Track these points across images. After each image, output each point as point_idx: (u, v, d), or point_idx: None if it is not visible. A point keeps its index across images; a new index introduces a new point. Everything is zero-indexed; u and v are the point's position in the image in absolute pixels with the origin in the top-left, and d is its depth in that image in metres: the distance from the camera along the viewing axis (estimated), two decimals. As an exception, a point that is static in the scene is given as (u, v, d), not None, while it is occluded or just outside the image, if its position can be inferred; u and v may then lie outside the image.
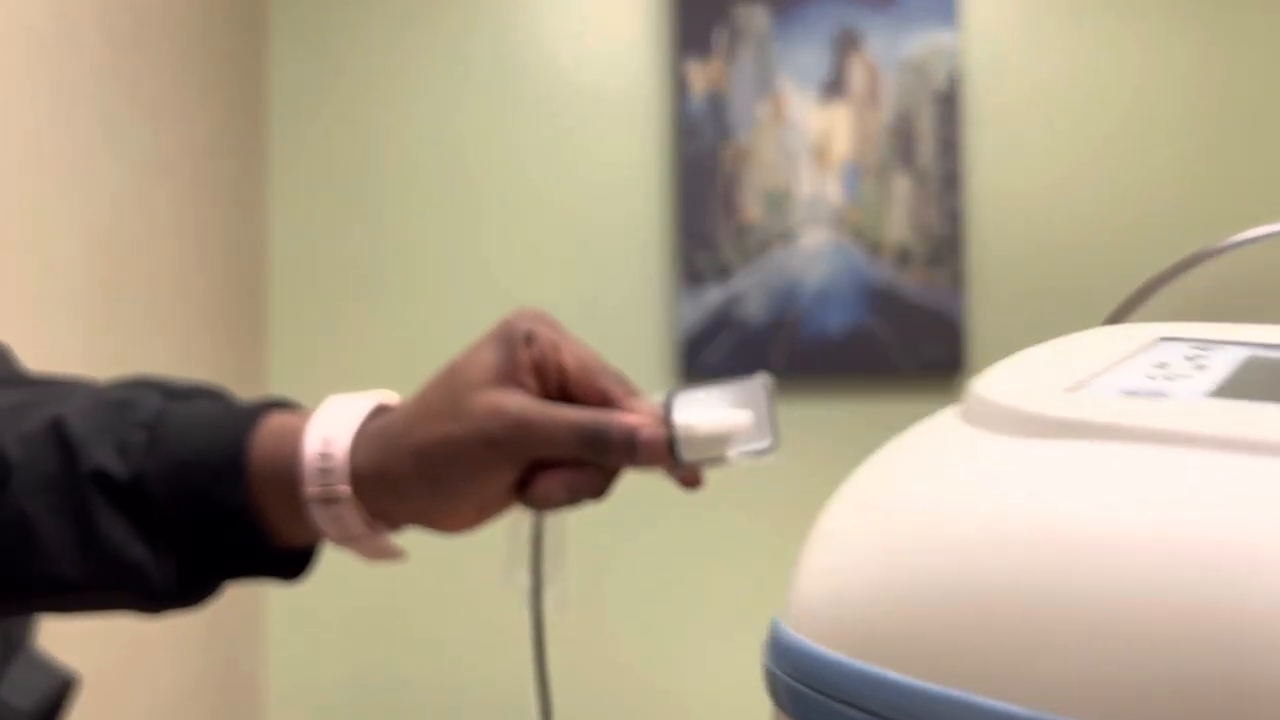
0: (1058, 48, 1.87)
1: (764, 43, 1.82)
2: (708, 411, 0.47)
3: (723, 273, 1.80)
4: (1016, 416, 0.25)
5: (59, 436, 0.46)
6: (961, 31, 1.84)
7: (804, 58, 1.82)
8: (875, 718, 0.21)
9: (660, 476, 0.48)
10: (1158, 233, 1.85)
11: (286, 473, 0.47)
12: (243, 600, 1.74)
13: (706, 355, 1.79)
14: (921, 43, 1.82)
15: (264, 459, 0.47)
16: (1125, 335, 0.32)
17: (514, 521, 0.51)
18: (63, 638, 1.21)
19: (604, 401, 0.48)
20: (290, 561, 0.51)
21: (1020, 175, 1.86)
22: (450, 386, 0.47)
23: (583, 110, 1.86)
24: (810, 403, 1.82)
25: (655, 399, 0.48)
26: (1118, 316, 0.46)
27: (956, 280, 1.80)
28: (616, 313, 1.83)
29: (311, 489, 0.46)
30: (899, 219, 1.81)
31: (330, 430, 0.47)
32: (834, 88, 1.82)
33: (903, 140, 1.81)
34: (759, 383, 0.48)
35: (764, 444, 0.47)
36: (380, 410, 0.50)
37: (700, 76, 1.81)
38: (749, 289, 1.81)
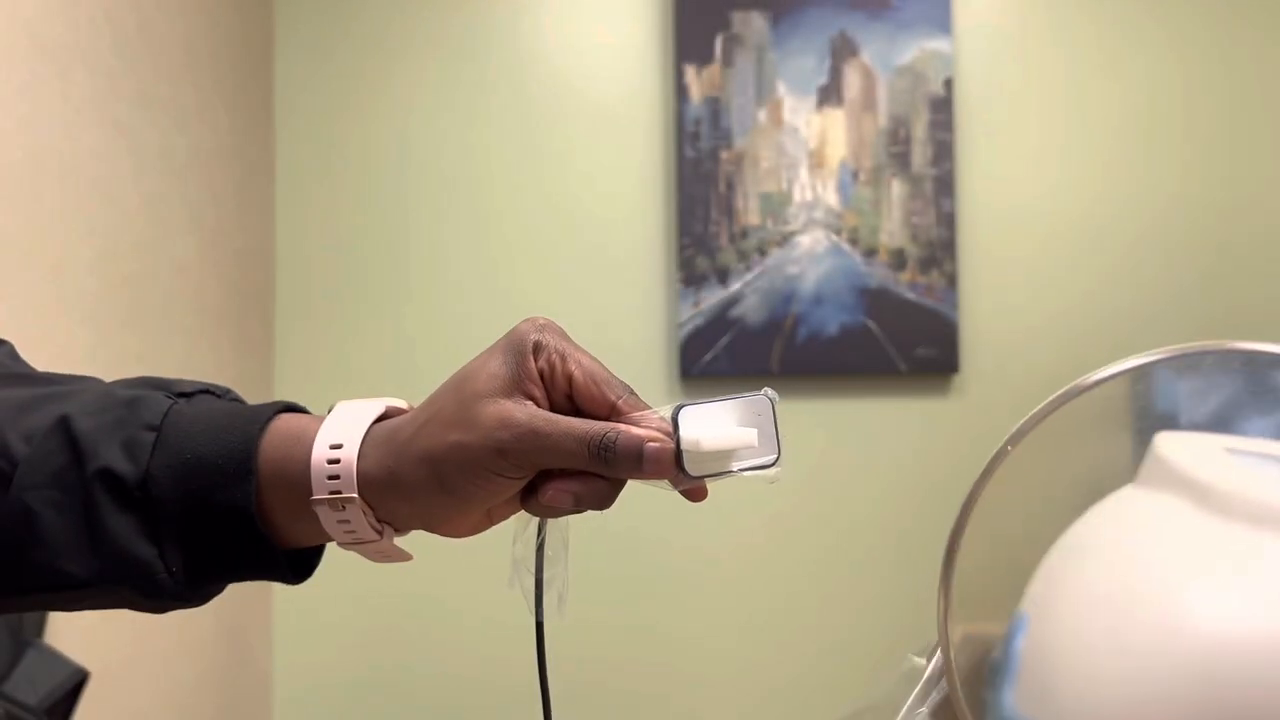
0: (1051, 54, 1.88)
1: (762, 49, 1.84)
2: (714, 427, 0.48)
3: (721, 275, 1.82)
4: None
5: (66, 434, 0.47)
6: (956, 38, 1.86)
7: (801, 64, 1.84)
8: None
9: (663, 488, 0.49)
10: (1153, 235, 1.87)
11: (295, 476, 0.47)
12: (251, 597, 1.76)
13: (705, 356, 1.81)
14: (917, 49, 1.84)
15: (273, 462, 0.48)
16: (1204, 445, 0.30)
17: (519, 525, 0.52)
18: (72, 633, 1.23)
19: (611, 412, 0.48)
20: (296, 563, 0.51)
21: (1013, 179, 1.87)
22: (460, 394, 0.47)
23: (584, 115, 1.88)
24: (807, 402, 1.84)
25: (662, 412, 0.48)
26: (1015, 440, 0.45)
27: (951, 282, 1.82)
28: (616, 314, 1.85)
29: (320, 493, 0.47)
30: (894, 222, 1.83)
31: (339, 435, 0.48)
32: (830, 93, 1.84)
33: (898, 145, 1.83)
34: (764, 397, 0.49)
35: (769, 459, 0.48)
36: (389, 415, 0.50)
37: (699, 82, 1.84)
38: (747, 291, 1.83)
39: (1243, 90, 1.88)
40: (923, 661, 0.44)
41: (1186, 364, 0.45)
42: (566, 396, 0.49)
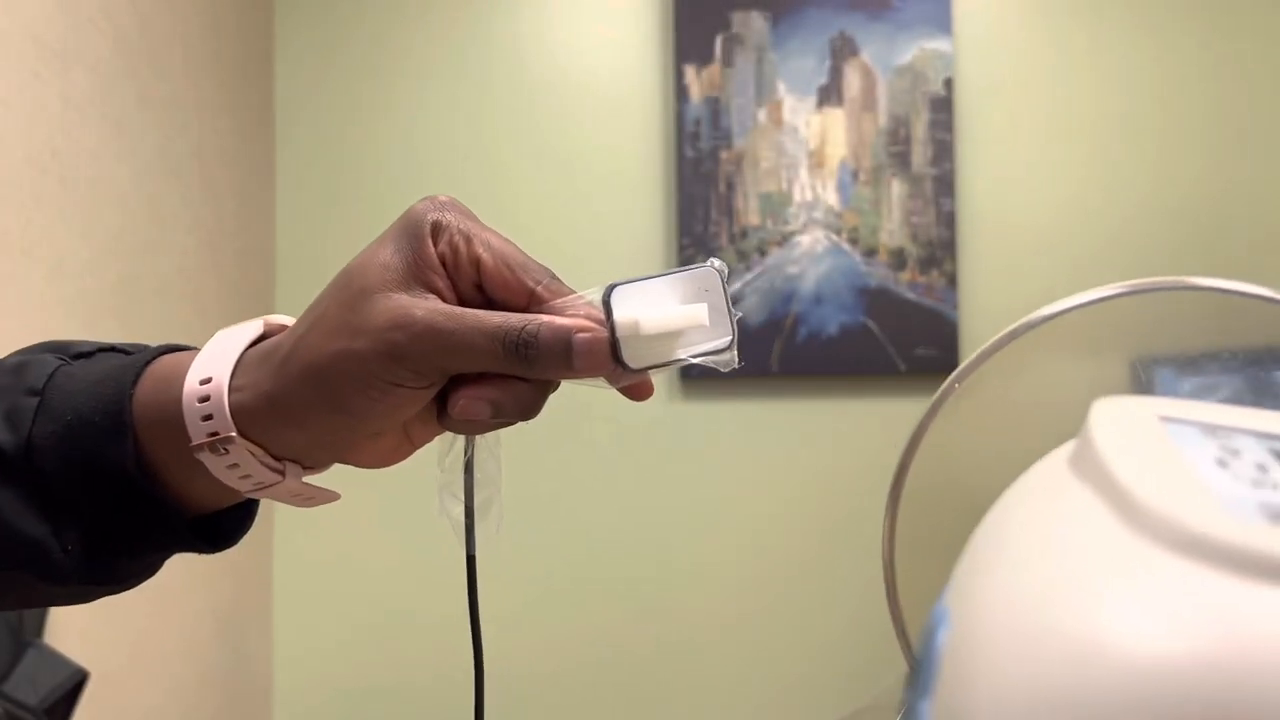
0: (1051, 54, 1.88)
1: (762, 49, 1.84)
2: (654, 308, 0.40)
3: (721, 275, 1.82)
4: (1231, 551, 0.22)
5: None
6: (956, 38, 1.86)
7: (801, 64, 1.84)
8: None
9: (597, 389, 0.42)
10: (1153, 234, 1.87)
11: (171, 422, 0.40)
12: (251, 596, 1.76)
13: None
14: (917, 49, 1.84)
15: (147, 410, 0.41)
16: (1136, 415, 0.29)
17: (443, 445, 0.44)
18: (72, 633, 1.23)
19: (530, 301, 0.40)
20: (214, 529, 0.45)
21: (1013, 179, 1.87)
22: (346, 293, 0.40)
23: (584, 115, 1.88)
24: (807, 402, 1.84)
25: (590, 295, 0.41)
26: (960, 378, 0.44)
27: (951, 282, 1.82)
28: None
29: (197, 437, 0.40)
30: (894, 222, 1.83)
31: (209, 367, 0.41)
32: (830, 93, 1.84)
33: (898, 144, 1.83)
34: (710, 269, 0.41)
35: (722, 341, 0.41)
36: (272, 334, 0.43)
37: (699, 82, 1.84)
38: (747, 290, 1.83)
39: (1244, 90, 1.88)
40: None
41: (1146, 297, 0.44)
42: (476, 286, 0.41)
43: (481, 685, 0.48)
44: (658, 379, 0.41)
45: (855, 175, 1.84)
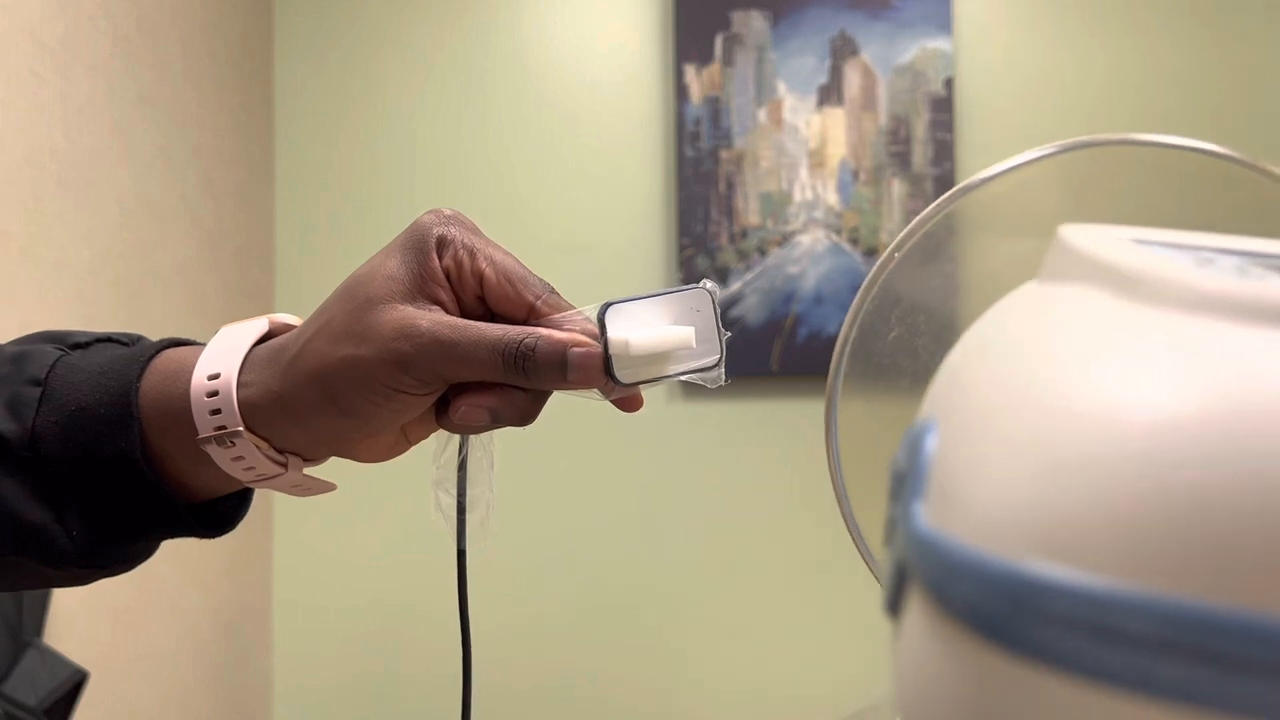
0: (1051, 53, 1.88)
1: (762, 48, 1.84)
2: (646, 326, 0.42)
3: (721, 275, 1.82)
4: (1241, 301, 0.20)
5: None
6: (956, 37, 1.86)
7: (801, 63, 1.84)
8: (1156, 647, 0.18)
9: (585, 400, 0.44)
10: (1151, 235, 1.87)
11: (180, 415, 0.42)
12: (251, 596, 1.76)
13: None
14: (917, 48, 1.84)
15: (154, 402, 0.42)
16: (1106, 233, 0.28)
17: (438, 442, 0.46)
18: (71, 633, 1.23)
19: (529, 314, 0.43)
20: (214, 515, 0.46)
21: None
22: (352, 301, 0.42)
23: (584, 116, 1.88)
24: (807, 403, 1.84)
25: (588, 312, 0.43)
26: (900, 246, 0.44)
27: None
28: (616, 315, 1.85)
29: (205, 430, 0.41)
30: (895, 221, 1.83)
31: (217, 363, 0.43)
32: (831, 93, 1.84)
33: (898, 144, 1.83)
34: (702, 290, 0.43)
35: (709, 360, 0.43)
36: (275, 334, 0.45)
37: (699, 82, 1.84)
38: (747, 290, 1.83)
39: (1244, 88, 1.88)
40: None
41: (1086, 154, 0.44)
42: (478, 298, 0.43)
43: (469, 678, 0.49)
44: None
45: (855, 175, 1.83)
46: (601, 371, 0.41)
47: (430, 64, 1.89)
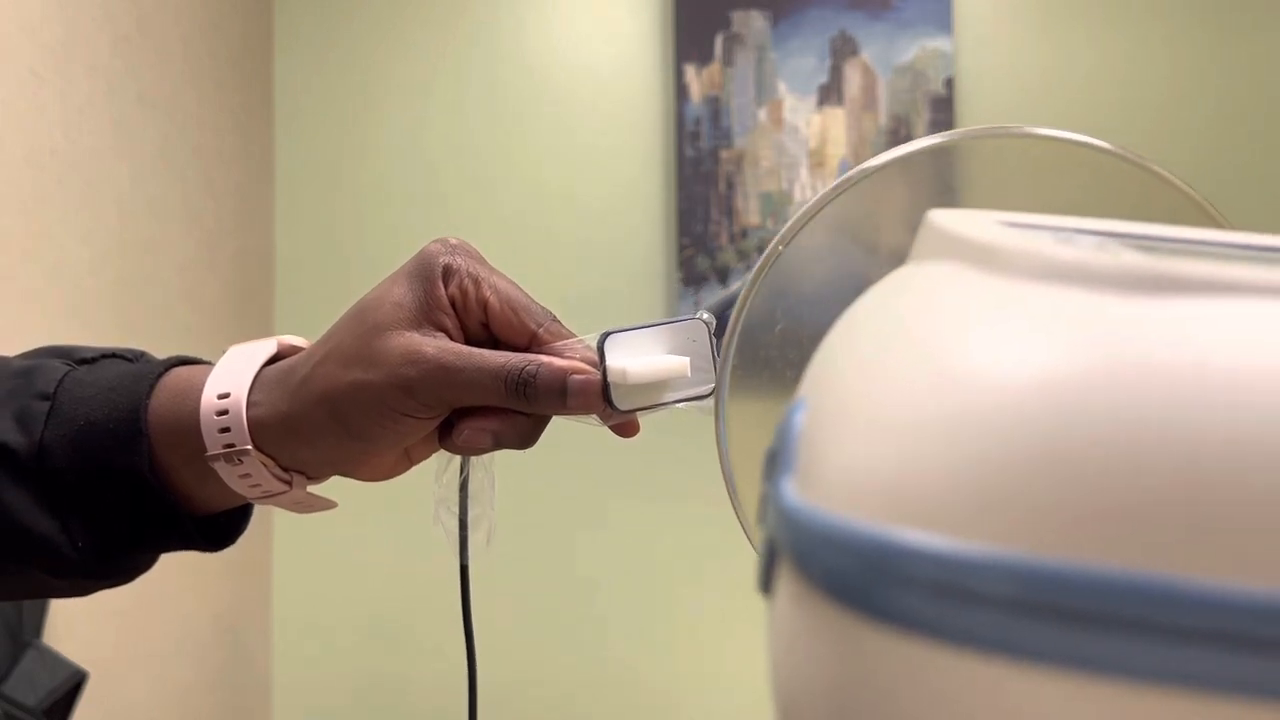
0: (1051, 53, 1.88)
1: (762, 48, 1.84)
2: (644, 356, 0.43)
3: (721, 275, 1.82)
4: (1106, 271, 0.21)
5: None
6: (956, 37, 1.86)
7: (801, 63, 1.84)
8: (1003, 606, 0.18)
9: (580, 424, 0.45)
10: (1152, 235, 1.87)
11: (188, 432, 0.43)
12: (251, 596, 1.76)
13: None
14: (917, 48, 1.84)
15: (163, 419, 0.43)
16: (973, 216, 0.29)
17: (440, 462, 0.48)
18: (71, 633, 1.23)
19: (531, 342, 0.44)
20: (216, 528, 0.47)
21: (1016, 179, 1.87)
22: (361, 327, 0.43)
23: (583, 115, 1.88)
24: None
25: (589, 340, 0.44)
26: (788, 236, 0.44)
27: (952, 283, 1.82)
28: (616, 315, 1.85)
29: (213, 447, 0.43)
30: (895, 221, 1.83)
31: (227, 382, 0.43)
32: (831, 92, 1.84)
33: (899, 144, 1.83)
34: (698, 321, 0.45)
35: (704, 389, 0.44)
36: (284, 355, 0.46)
37: (699, 81, 1.83)
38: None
39: (1246, 89, 1.88)
40: None
41: (983, 143, 0.45)
42: (482, 325, 0.44)
43: (475, 692, 0.50)
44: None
45: (856, 175, 1.83)
46: (600, 398, 0.43)
47: (430, 63, 1.89)
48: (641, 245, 1.86)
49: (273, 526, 1.84)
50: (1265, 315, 0.19)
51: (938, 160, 0.45)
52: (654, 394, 0.43)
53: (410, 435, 0.43)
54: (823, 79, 1.84)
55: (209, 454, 0.43)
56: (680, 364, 0.44)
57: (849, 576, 0.20)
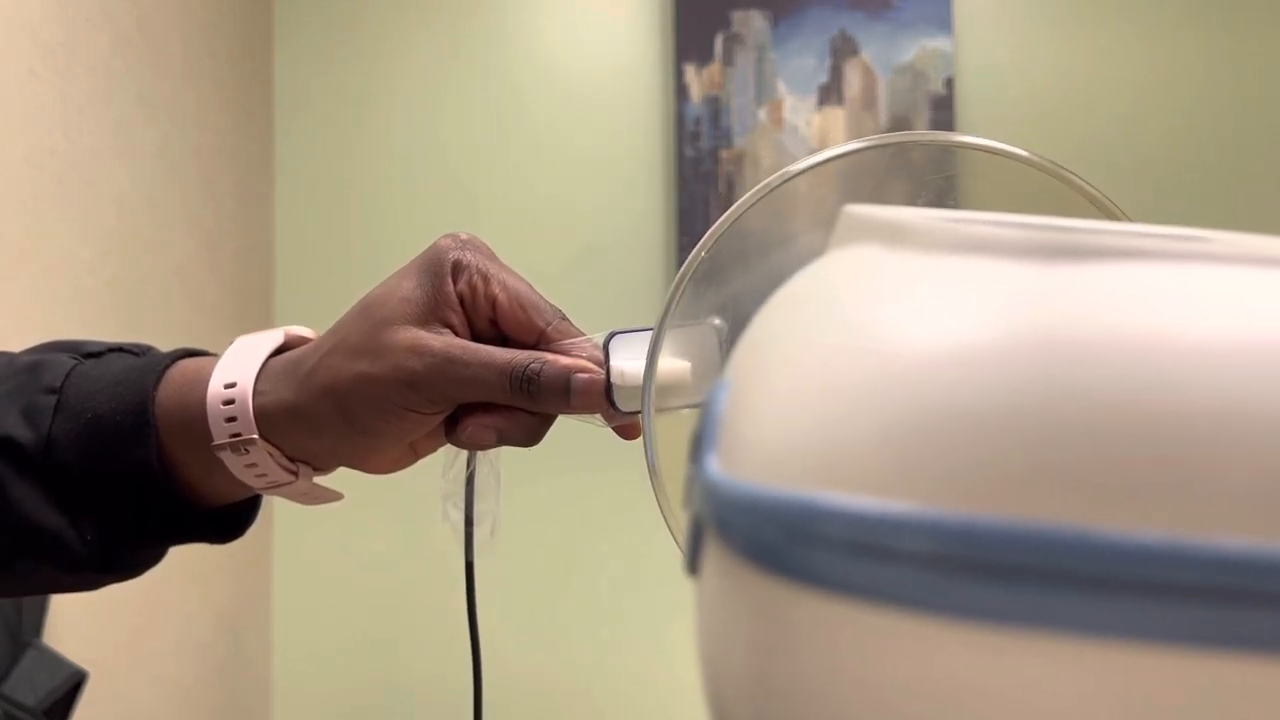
0: (1052, 53, 1.88)
1: (762, 48, 1.84)
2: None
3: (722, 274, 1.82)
4: (1021, 242, 0.21)
5: None
6: (957, 37, 1.86)
7: (801, 63, 1.84)
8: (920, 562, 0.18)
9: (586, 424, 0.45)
10: (1152, 235, 1.87)
11: (195, 422, 0.43)
12: (250, 597, 1.76)
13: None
14: (918, 48, 1.84)
15: (170, 410, 0.43)
16: (888, 209, 0.30)
17: (447, 457, 0.48)
18: (71, 633, 1.23)
19: (540, 340, 0.44)
20: (224, 521, 0.48)
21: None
22: (368, 320, 0.43)
23: (583, 115, 1.87)
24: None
25: (597, 339, 0.44)
26: (706, 245, 0.45)
27: (952, 282, 1.82)
28: (616, 314, 1.85)
29: (220, 437, 0.43)
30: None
31: (233, 372, 0.43)
32: (831, 92, 1.84)
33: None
34: (710, 327, 0.45)
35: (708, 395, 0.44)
36: (290, 346, 0.46)
37: (699, 81, 1.83)
38: (747, 291, 1.82)
39: (1248, 90, 1.88)
40: None
41: (894, 152, 0.46)
42: (491, 322, 0.44)
43: (480, 688, 0.50)
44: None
45: (856, 175, 1.83)
46: (604, 397, 0.43)
47: (430, 63, 1.89)
48: (641, 245, 1.86)
49: (273, 524, 1.84)
50: (1168, 277, 0.20)
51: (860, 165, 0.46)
52: (658, 397, 0.43)
53: (414, 430, 0.43)
54: (823, 79, 1.84)
55: (215, 443, 0.43)
56: (682, 368, 0.43)
57: (769, 541, 0.20)
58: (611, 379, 0.43)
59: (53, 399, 0.43)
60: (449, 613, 1.88)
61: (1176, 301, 0.19)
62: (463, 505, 0.47)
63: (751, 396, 0.23)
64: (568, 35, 1.89)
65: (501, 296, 0.44)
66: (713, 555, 0.23)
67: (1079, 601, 0.17)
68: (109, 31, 1.37)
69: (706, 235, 0.42)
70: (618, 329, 0.43)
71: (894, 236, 0.24)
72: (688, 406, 0.44)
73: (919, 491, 0.18)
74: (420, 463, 0.49)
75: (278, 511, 1.82)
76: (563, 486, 1.83)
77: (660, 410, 0.43)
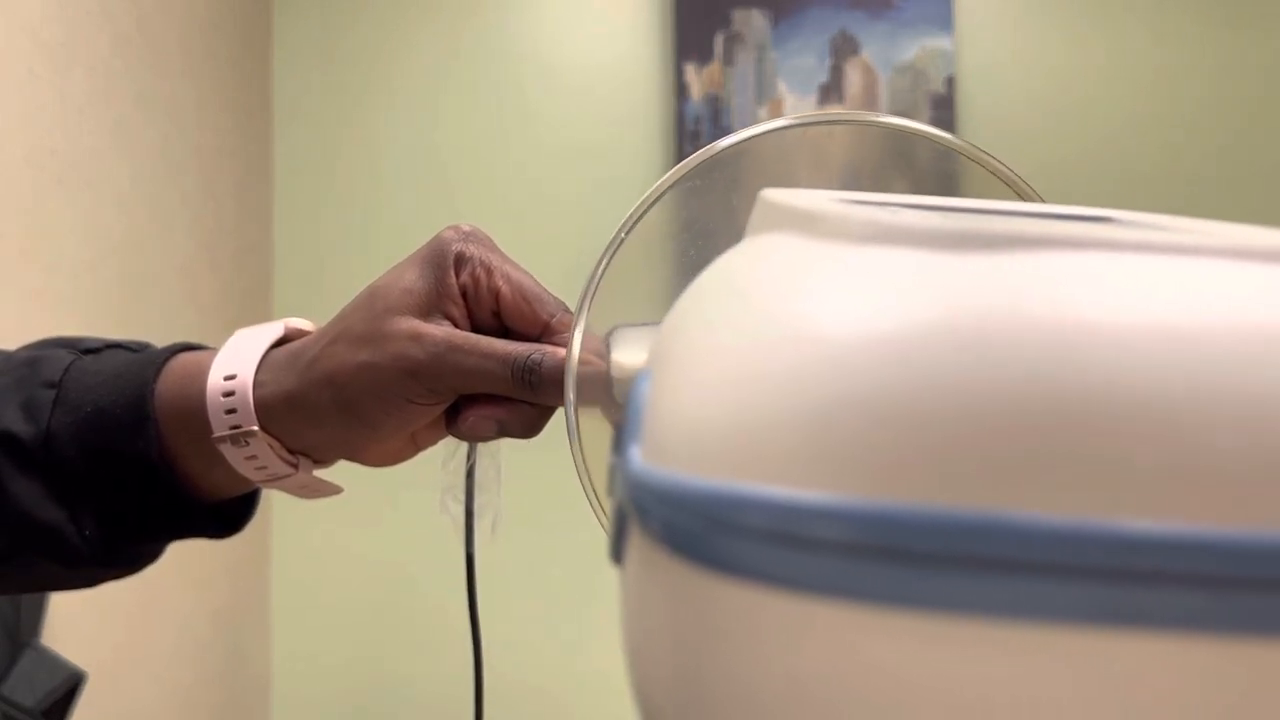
0: (1053, 51, 1.88)
1: (762, 47, 1.84)
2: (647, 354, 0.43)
3: (722, 275, 1.82)
4: (933, 232, 0.21)
5: None
6: (957, 36, 1.85)
7: (802, 62, 1.84)
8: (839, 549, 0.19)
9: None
10: (1153, 235, 1.86)
11: (195, 415, 0.43)
12: (249, 598, 1.76)
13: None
14: (918, 47, 1.83)
15: (170, 403, 0.43)
16: (805, 194, 0.30)
17: (448, 449, 0.47)
18: (69, 634, 1.23)
19: (544, 332, 0.44)
20: (223, 515, 0.47)
21: (1016, 178, 1.87)
22: (370, 310, 0.43)
23: (583, 113, 1.87)
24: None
25: (601, 333, 0.44)
26: (626, 227, 0.45)
27: (953, 282, 1.82)
28: (615, 314, 1.84)
29: (220, 429, 0.42)
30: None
31: (233, 364, 0.43)
32: (831, 91, 1.84)
33: (899, 143, 1.83)
34: None
35: None
36: (292, 337, 0.46)
37: (699, 80, 1.83)
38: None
39: (1245, 88, 1.87)
40: None
41: (821, 130, 0.46)
42: (494, 315, 0.44)
43: (481, 683, 0.49)
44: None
45: (857, 174, 1.83)
46: (606, 391, 0.42)
47: (429, 62, 1.88)
48: (642, 244, 1.85)
49: (271, 524, 1.84)
50: (1076, 265, 0.20)
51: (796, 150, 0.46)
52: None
53: (415, 421, 0.43)
54: (823, 78, 1.84)
55: (215, 435, 0.42)
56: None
57: (689, 531, 0.20)
58: (613, 372, 0.42)
59: (52, 393, 0.43)
60: (448, 611, 1.88)
61: (1083, 288, 0.20)
62: (463, 498, 0.47)
63: (671, 385, 0.23)
64: (567, 34, 1.89)
65: (505, 289, 0.44)
66: (635, 545, 0.23)
67: (992, 585, 0.17)
68: (109, 31, 1.37)
69: (628, 215, 0.42)
70: (623, 322, 0.43)
71: (808, 225, 0.25)
72: None
73: (835, 479, 0.19)
74: (419, 464, 0.49)
75: (276, 511, 1.82)
76: (564, 480, 1.83)
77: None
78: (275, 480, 0.44)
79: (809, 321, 0.21)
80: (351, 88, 1.89)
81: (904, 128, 0.41)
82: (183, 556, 1.60)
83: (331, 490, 0.47)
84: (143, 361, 0.44)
